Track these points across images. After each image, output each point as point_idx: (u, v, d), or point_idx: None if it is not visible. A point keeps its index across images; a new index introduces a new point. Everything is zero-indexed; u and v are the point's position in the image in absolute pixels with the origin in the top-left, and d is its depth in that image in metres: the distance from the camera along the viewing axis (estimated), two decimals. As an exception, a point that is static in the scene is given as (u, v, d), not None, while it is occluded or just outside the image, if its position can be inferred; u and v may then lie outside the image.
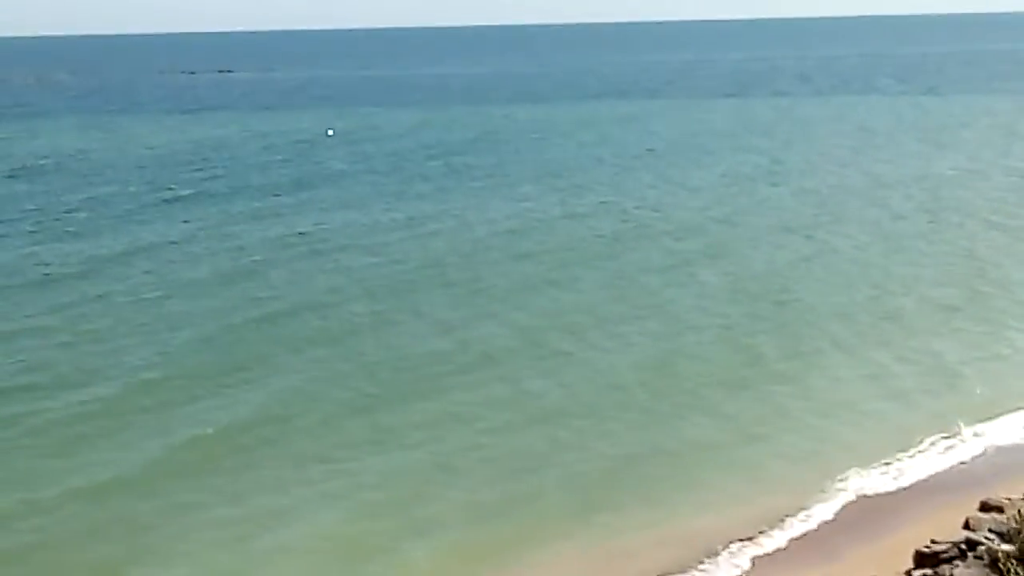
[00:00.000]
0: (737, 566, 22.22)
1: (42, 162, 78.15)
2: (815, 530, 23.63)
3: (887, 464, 26.47)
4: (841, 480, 25.46)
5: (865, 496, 25.06)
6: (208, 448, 27.14)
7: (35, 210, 58.13)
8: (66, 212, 57.51)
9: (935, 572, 20.80)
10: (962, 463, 26.74)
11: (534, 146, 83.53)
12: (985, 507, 23.78)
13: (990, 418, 28.70)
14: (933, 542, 22.03)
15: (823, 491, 24.95)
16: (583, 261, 45.28)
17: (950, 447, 27.83)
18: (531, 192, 61.81)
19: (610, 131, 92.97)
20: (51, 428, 28.25)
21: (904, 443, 27.30)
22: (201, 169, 73.12)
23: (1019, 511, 9.84)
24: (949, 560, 21.11)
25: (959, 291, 39.80)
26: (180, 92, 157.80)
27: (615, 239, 49.51)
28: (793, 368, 32.59)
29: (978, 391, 30.49)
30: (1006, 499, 23.36)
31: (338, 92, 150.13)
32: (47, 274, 43.73)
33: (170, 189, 64.60)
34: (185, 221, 54.28)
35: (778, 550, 22.71)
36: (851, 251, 46.28)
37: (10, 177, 71.23)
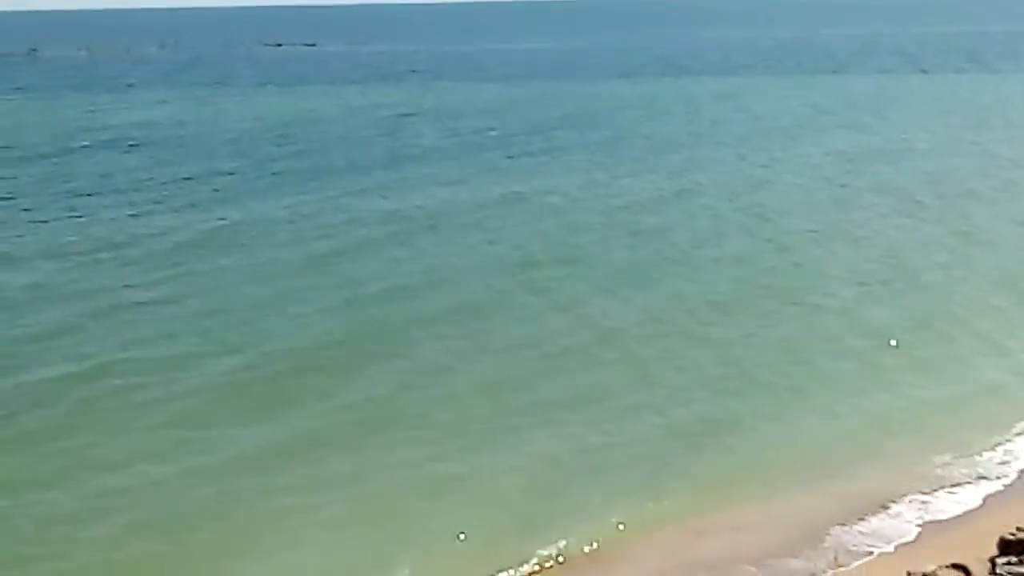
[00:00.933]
0: (828, 547, 22.36)
1: (140, 133, 79.69)
2: (905, 513, 23.69)
3: (993, 449, 26.34)
4: (943, 465, 25.52)
5: (966, 479, 25.09)
6: (335, 423, 27.42)
7: (144, 181, 59.35)
8: (171, 183, 58.59)
9: (1020, 560, 20.60)
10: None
11: (631, 123, 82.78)
12: (1078, 495, 23.56)
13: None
14: (1019, 529, 21.73)
15: (927, 472, 25.09)
16: (696, 239, 44.90)
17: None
18: (635, 169, 61.36)
19: (707, 108, 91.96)
20: (176, 400, 28.67)
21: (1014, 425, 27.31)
22: (299, 143, 73.89)
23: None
24: (1035, 549, 21.09)
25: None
26: (269, 66, 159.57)
27: (724, 218, 48.95)
28: (921, 352, 32.16)
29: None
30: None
31: (426, 66, 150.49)
32: (159, 246, 44.51)
33: (272, 161, 65.54)
34: (292, 195, 54.76)
35: (866, 531, 22.90)
36: (979, 234, 45.19)
37: (109, 148, 72.77)
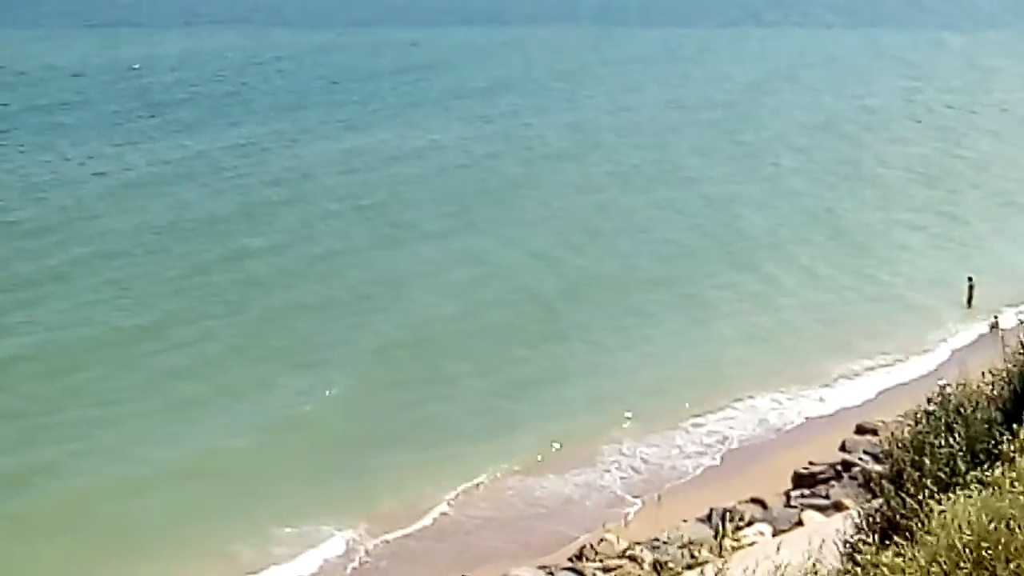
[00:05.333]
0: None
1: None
2: (708, 448, 27.51)
3: (781, 392, 30.48)
4: (737, 400, 29.65)
5: (761, 418, 29.02)
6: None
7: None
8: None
9: (812, 492, 23.85)
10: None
11: (470, 71, 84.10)
12: (861, 430, 26.92)
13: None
14: (811, 463, 25.16)
15: (720, 409, 29.30)
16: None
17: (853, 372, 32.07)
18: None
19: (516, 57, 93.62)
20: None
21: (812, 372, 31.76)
22: (143, 93, 72.43)
23: (892, 433, 12.05)
24: (825, 480, 24.30)
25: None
26: (86, 5, 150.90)
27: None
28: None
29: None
30: (880, 422, 26.28)
31: (265, 9, 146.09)
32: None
33: (115, 114, 64.97)
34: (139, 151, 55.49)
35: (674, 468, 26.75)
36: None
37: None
